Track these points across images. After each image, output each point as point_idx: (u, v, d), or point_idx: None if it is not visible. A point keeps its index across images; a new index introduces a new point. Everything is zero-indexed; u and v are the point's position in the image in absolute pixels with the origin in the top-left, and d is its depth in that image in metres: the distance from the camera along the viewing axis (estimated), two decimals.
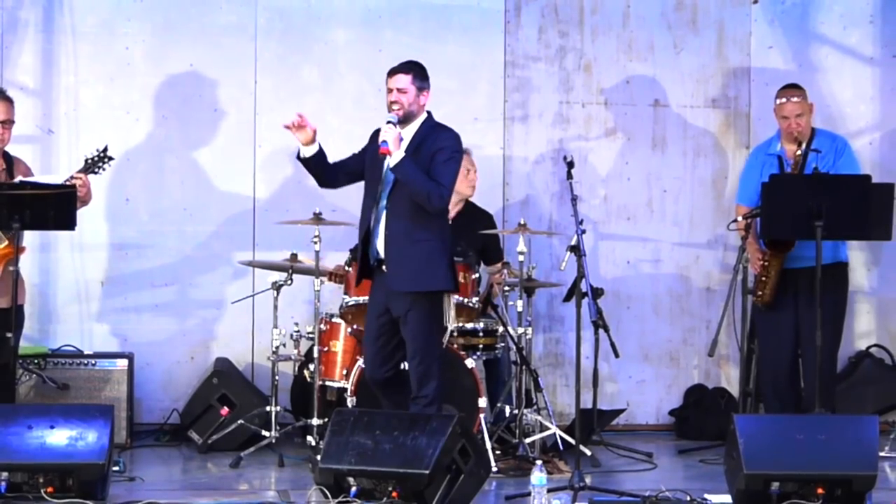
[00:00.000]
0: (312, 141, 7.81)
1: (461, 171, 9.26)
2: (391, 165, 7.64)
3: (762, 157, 8.99)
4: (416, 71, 7.84)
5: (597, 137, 10.00)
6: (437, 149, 7.74)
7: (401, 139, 7.70)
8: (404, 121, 7.77)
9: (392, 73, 7.87)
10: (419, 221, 7.73)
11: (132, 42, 9.65)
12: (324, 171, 7.93)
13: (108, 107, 9.62)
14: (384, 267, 7.77)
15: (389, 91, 7.84)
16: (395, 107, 7.78)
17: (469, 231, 9.17)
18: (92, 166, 8.23)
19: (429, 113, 7.87)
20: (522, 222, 8.90)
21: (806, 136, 8.83)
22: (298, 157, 7.89)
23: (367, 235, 7.82)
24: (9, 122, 8.28)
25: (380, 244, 7.76)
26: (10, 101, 8.33)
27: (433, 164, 7.70)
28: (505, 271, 9.07)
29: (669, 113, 10.02)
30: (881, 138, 10.07)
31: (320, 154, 7.86)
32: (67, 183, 8.06)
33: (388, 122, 7.71)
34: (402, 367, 7.91)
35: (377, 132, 7.83)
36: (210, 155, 9.68)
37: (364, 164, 7.92)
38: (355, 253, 8.27)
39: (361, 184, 7.97)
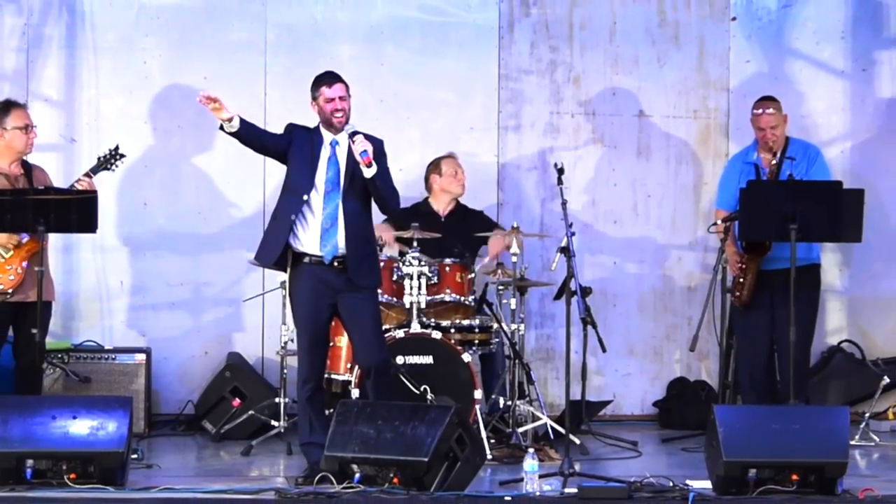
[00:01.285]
0: (230, 117, 7.48)
1: (450, 172, 9.33)
2: (372, 175, 7.56)
3: (740, 165, 9.00)
4: (345, 80, 7.72)
5: (585, 146, 10.01)
6: (378, 154, 7.66)
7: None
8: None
9: (331, 82, 7.63)
10: (367, 221, 7.77)
11: (150, 57, 9.67)
12: (251, 142, 7.66)
13: (127, 117, 9.64)
14: (338, 264, 7.63)
15: (330, 100, 7.60)
16: (339, 115, 7.60)
17: (463, 230, 9.17)
18: (104, 163, 8.37)
19: None
20: (515, 225, 8.92)
21: (780, 145, 8.85)
22: (221, 128, 7.57)
23: (289, 229, 7.62)
24: (32, 126, 8.30)
25: (341, 243, 7.62)
26: (24, 107, 8.37)
27: (380, 169, 7.62)
28: (500, 271, 9.07)
29: (653, 123, 10.03)
30: (852, 148, 10.07)
31: (245, 127, 7.54)
32: (76, 186, 8.15)
33: (355, 133, 7.57)
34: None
35: (294, 126, 7.71)
36: (223, 162, 9.69)
37: (280, 149, 7.67)
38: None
39: None
